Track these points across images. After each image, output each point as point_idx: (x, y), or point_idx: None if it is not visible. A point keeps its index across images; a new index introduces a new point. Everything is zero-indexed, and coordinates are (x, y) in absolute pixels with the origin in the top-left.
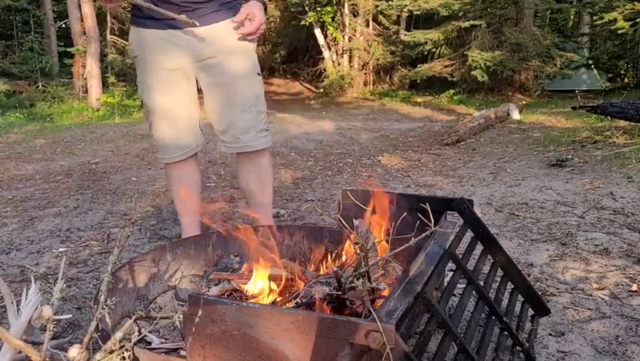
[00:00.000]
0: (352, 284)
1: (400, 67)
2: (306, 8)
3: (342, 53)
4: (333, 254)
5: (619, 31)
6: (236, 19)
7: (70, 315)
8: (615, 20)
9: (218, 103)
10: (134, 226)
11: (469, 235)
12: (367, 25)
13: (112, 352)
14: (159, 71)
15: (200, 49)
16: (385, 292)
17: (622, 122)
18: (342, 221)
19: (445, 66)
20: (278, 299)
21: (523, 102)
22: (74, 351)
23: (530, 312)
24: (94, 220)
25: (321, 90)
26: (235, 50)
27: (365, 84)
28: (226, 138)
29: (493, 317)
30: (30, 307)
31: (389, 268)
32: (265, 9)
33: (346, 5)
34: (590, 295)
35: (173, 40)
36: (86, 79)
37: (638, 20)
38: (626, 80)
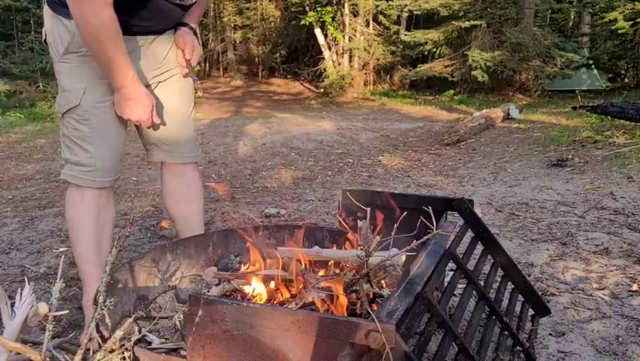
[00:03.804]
0: (353, 286)
1: (400, 67)
2: (306, 8)
3: (343, 53)
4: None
5: (619, 31)
6: (187, 50)
7: (67, 311)
8: (615, 20)
9: (177, 112)
10: (134, 226)
11: (469, 234)
12: (367, 25)
13: (112, 351)
14: None
15: (159, 64)
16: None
17: (622, 122)
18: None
19: (446, 66)
20: (278, 300)
21: (524, 102)
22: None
23: (530, 312)
24: None
25: (322, 90)
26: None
27: (365, 84)
28: (175, 148)
29: (494, 317)
30: (24, 308)
31: (390, 268)
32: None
33: (346, 5)
34: (591, 295)
35: (137, 48)
36: None
37: (638, 20)
38: (626, 80)
